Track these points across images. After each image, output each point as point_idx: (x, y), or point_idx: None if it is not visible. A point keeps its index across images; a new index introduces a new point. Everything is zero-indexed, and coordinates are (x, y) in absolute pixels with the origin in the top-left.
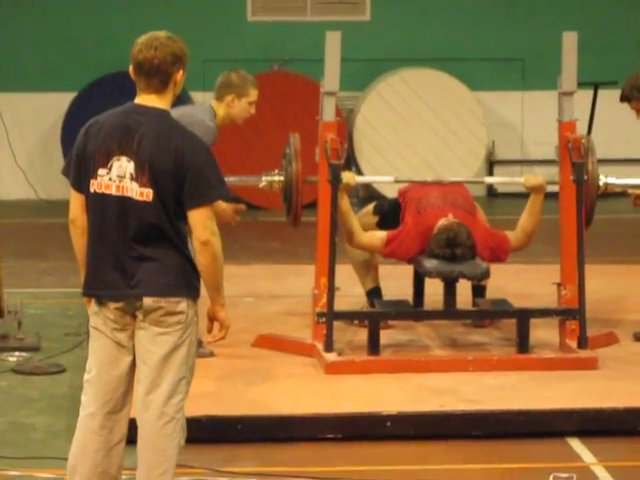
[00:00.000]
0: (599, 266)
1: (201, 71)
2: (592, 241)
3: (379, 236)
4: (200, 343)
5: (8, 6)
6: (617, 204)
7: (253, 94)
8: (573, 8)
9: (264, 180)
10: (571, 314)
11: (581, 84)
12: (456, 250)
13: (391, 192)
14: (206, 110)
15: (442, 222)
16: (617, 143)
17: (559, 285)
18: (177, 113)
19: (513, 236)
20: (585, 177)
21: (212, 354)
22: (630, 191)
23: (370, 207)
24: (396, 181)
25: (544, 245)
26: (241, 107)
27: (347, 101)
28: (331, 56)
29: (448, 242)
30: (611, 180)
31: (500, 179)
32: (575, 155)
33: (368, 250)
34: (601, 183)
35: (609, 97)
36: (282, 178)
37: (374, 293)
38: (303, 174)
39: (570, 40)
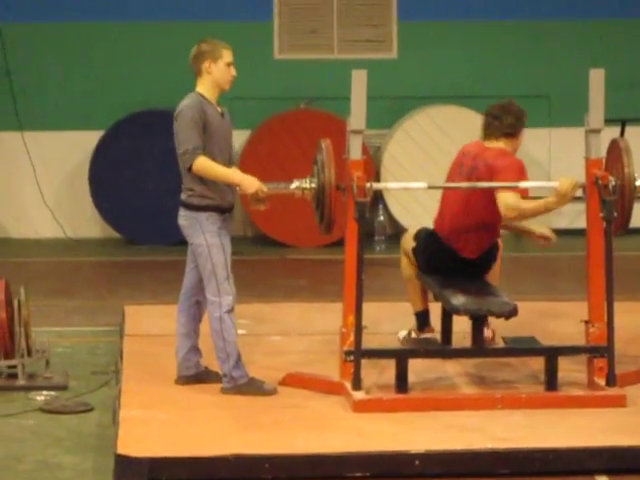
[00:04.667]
0: (627, 303)
1: (229, 109)
2: (619, 278)
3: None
4: (262, 382)
5: (35, 44)
6: None
7: (227, 54)
8: (598, 44)
9: (295, 186)
10: (599, 352)
11: (608, 120)
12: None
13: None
14: (187, 98)
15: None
16: None
17: (587, 322)
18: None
19: (508, 200)
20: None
21: (275, 391)
22: None
23: (413, 231)
24: (429, 187)
25: (571, 282)
26: (220, 70)
27: (374, 139)
28: (357, 94)
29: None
30: None
31: (534, 183)
32: (604, 192)
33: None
34: (638, 184)
35: (636, 133)
36: (314, 185)
37: (421, 316)
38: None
39: (597, 77)
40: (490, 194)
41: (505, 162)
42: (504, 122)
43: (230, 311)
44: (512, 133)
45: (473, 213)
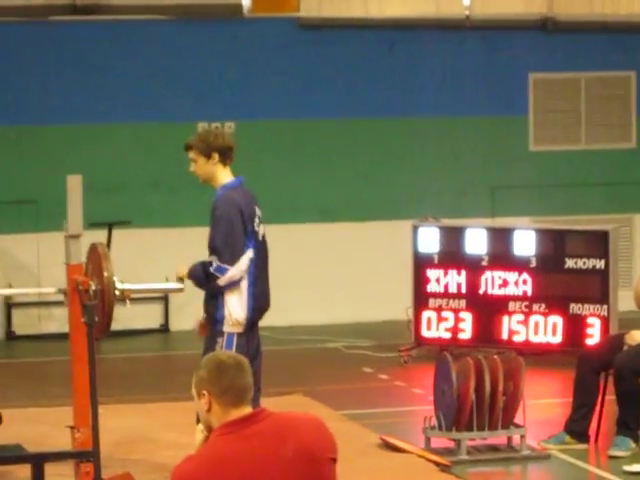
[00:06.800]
0: (115, 406)
1: None
2: (105, 381)
3: None
4: None
5: None
6: (134, 342)
7: None
8: (78, 149)
9: None
10: (85, 456)
11: (96, 224)
12: None
13: None
14: None
15: None
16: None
17: (72, 428)
18: None
19: None
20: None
21: None
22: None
23: None
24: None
25: (61, 387)
26: None
27: None
28: None
29: None
30: (127, 286)
31: (24, 290)
32: (85, 297)
33: None
34: (118, 289)
35: (123, 235)
36: None
37: None
38: None
39: (74, 183)
40: None
41: None
42: None
43: None
44: None
45: None
